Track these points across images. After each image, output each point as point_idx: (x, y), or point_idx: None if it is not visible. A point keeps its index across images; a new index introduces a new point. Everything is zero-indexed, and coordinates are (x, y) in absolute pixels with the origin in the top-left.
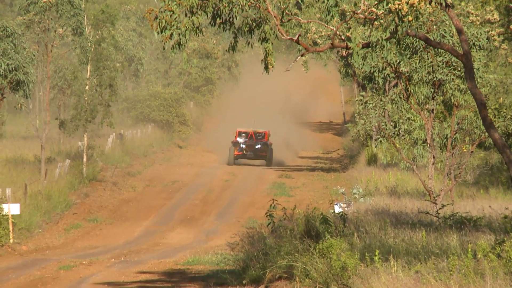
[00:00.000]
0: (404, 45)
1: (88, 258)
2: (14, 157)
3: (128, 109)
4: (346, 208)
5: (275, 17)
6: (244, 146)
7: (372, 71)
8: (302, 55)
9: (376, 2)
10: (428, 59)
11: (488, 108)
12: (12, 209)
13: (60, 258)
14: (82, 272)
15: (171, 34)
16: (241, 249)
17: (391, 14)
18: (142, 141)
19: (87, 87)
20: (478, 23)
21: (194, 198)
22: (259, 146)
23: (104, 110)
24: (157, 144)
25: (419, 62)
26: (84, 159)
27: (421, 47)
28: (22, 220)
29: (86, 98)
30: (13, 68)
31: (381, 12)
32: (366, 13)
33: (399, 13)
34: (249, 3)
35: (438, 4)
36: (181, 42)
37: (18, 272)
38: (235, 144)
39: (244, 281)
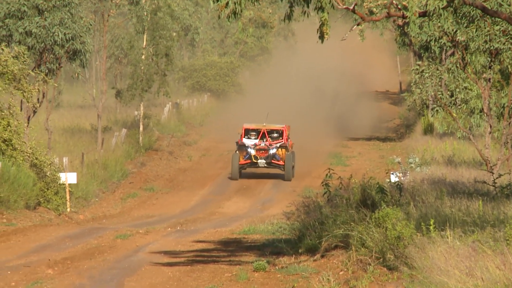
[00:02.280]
0: (461, 14)
1: (145, 227)
2: (71, 126)
3: (184, 79)
4: (402, 178)
5: None
6: (253, 152)
7: (428, 40)
8: (358, 25)
9: None
10: (485, 28)
11: None
12: (69, 178)
13: (116, 227)
14: (138, 241)
15: (227, 3)
16: (297, 219)
17: None
18: (198, 111)
19: (143, 57)
20: None
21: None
22: (275, 150)
23: (160, 80)
24: (213, 113)
25: (476, 31)
26: (140, 129)
27: (478, 15)
28: (79, 189)
29: (142, 68)
30: (70, 38)
31: None
32: None
33: None
34: None
35: None
36: (237, 11)
37: (75, 241)
38: (240, 148)
39: (300, 250)
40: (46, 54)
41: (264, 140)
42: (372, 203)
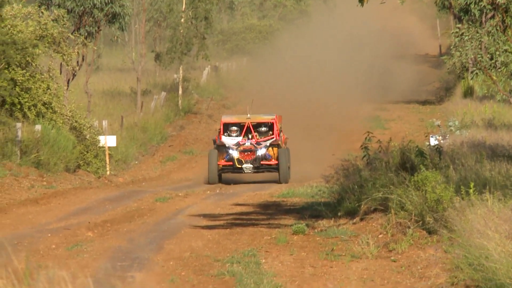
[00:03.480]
0: None
1: (184, 190)
2: (111, 89)
3: (223, 42)
4: (441, 141)
5: None
6: (235, 154)
7: (468, 3)
8: None
9: None
10: None
11: None
12: (109, 141)
13: (156, 190)
14: (178, 204)
15: None
16: (336, 182)
17: None
18: (237, 74)
19: (182, 20)
20: None
21: (289, 130)
22: (264, 150)
23: (199, 43)
24: (252, 76)
25: None
26: (180, 92)
27: None
28: (118, 152)
29: (181, 31)
30: (109, 1)
31: None
32: None
33: None
34: None
35: None
36: None
37: (115, 204)
38: (220, 147)
39: (339, 213)
40: (86, 17)
41: (249, 137)
42: (411, 166)
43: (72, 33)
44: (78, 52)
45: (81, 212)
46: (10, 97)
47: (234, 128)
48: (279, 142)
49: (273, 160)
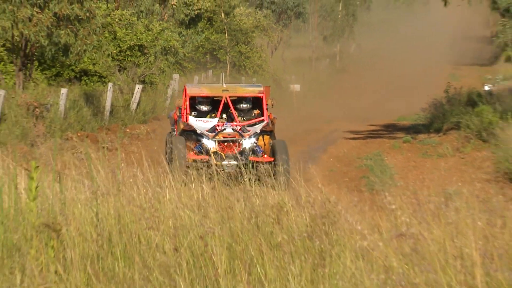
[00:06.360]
0: None
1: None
2: (300, 57)
3: None
4: (492, 87)
5: None
6: (211, 145)
7: (508, 4)
8: None
9: None
10: None
11: None
12: (296, 87)
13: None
14: (337, 125)
15: None
16: (429, 112)
17: None
18: None
19: None
20: None
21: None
22: (253, 140)
23: None
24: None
25: None
26: None
27: None
28: (301, 95)
29: None
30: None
31: None
32: None
33: None
34: None
35: None
36: None
37: (299, 125)
38: (186, 134)
39: (430, 130)
40: (283, 14)
41: (228, 119)
42: (474, 103)
43: (274, 24)
44: (275, 36)
45: None
46: (238, 61)
47: (203, 104)
48: (272, 128)
49: (265, 156)
